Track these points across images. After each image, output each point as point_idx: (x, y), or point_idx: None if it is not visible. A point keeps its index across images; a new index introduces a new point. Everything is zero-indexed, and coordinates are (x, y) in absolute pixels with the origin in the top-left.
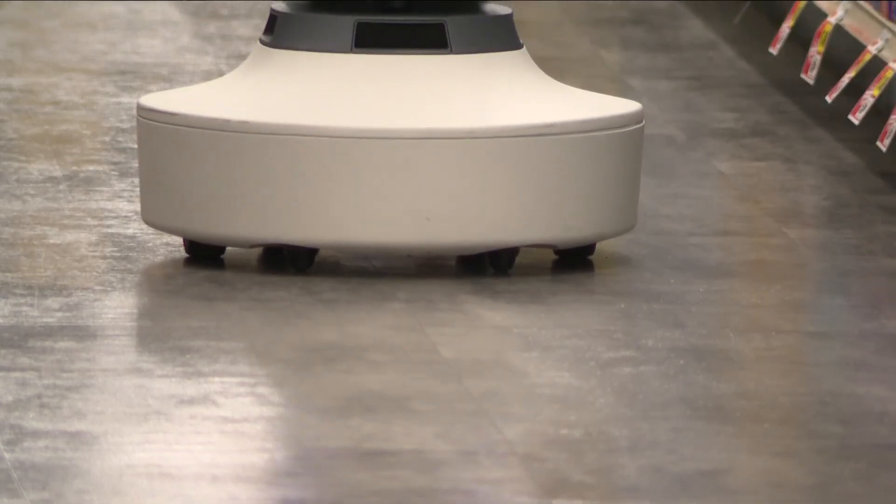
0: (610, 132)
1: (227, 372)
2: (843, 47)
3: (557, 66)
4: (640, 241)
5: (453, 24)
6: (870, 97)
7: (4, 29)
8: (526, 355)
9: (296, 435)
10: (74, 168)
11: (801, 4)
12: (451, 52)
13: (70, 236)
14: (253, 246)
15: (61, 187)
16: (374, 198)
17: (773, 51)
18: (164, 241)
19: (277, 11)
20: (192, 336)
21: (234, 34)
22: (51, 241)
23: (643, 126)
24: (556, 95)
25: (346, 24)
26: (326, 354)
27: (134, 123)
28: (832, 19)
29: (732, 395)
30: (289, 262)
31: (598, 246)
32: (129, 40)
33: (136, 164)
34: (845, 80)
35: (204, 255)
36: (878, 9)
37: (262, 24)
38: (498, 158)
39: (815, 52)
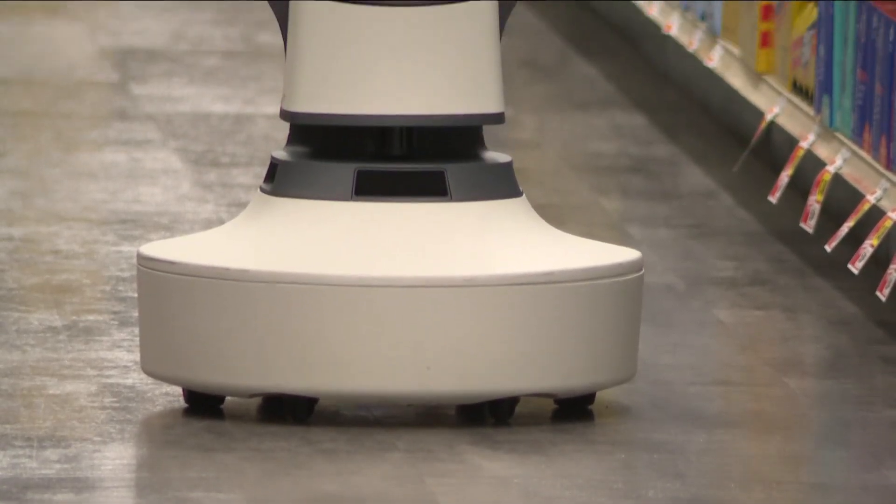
0: (610, 280)
1: None
2: (843, 196)
3: (557, 214)
4: (640, 391)
5: (453, 171)
6: (869, 246)
7: (5, 178)
8: None
9: None
10: (74, 318)
11: (800, 153)
12: (452, 200)
13: (69, 387)
14: (252, 395)
15: (61, 337)
16: (374, 347)
17: (773, 199)
18: (164, 391)
19: (278, 159)
20: (191, 487)
21: (235, 182)
22: (50, 391)
23: (643, 274)
24: (555, 243)
25: (347, 171)
26: None
27: (134, 272)
28: (831, 168)
29: None
30: (288, 411)
31: (597, 395)
32: (129, 189)
33: (136, 314)
34: (844, 229)
35: (203, 404)
36: (876, 158)
37: (263, 171)
38: (498, 307)
39: (814, 201)
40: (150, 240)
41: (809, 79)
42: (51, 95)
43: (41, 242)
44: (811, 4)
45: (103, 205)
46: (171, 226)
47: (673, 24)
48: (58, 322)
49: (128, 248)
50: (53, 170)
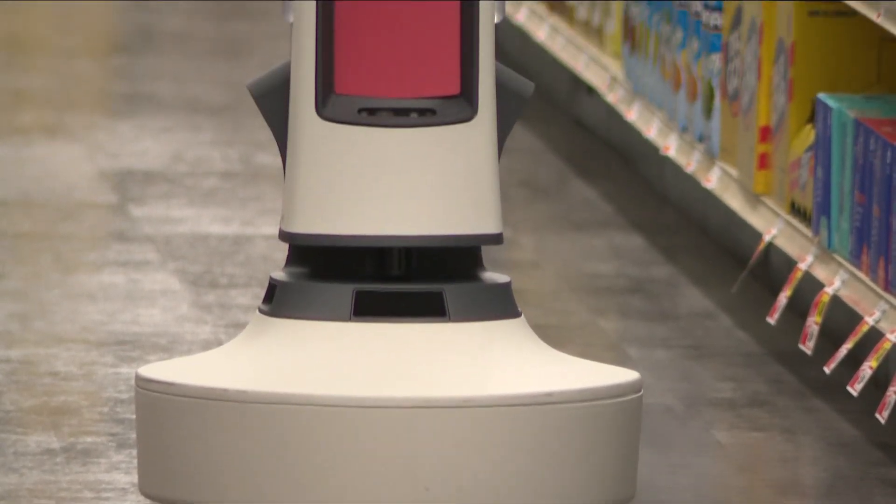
0: (609, 402)
1: None
2: (841, 318)
3: (555, 335)
4: None
5: (452, 292)
6: (868, 368)
7: (4, 301)
8: None
9: None
10: (72, 440)
11: (799, 274)
12: (450, 321)
13: None
14: None
15: (58, 459)
16: (372, 467)
17: (771, 320)
18: None
19: (276, 280)
20: None
21: (233, 303)
22: None
23: (641, 395)
24: (554, 364)
25: (345, 292)
26: None
27: (132, 394)
28: (829, 290)
29: None
30: None
31: None
32: (128, 310)
33: (134, 436)
34: (843, 350)
35: None
36: (875, 280)
37: (261, 292)
38: (496, 427)
39: (813, 323)
40: (148, 361)
41: (807, 200)
42: (50, 217)
43: (39, 364)
44: (809, 126)
45: (101, 326)
46: (169, 347)
47: (671, 146)
48: (55, 444)
49: (126, 370)
50: (52, 292)
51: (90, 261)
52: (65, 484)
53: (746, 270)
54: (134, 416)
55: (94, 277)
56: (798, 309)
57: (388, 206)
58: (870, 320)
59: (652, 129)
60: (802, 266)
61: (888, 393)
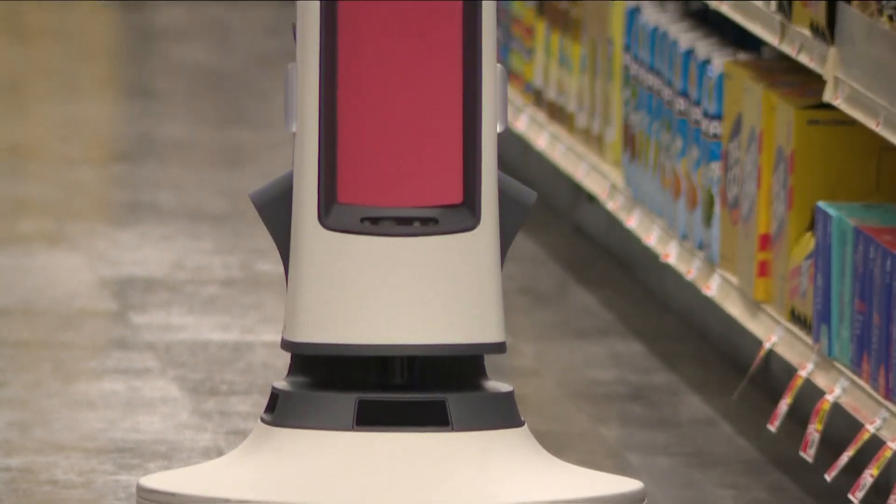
0: None
1: None
2: (842, 425)
3: (556, 442)
4: None
5: (455, 401)
6: (869, 476)
7: (4, 409)
8: None
9: None
10: None
11: (799, 381)
12: (453, 430)
13: None
14: None
15: None
16: None
17: (772, 428)
18: None
19: (278, 390)
20: None
21: (233, 410)
22: None
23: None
24: (557, 474)
25: (348, 401)
26: None
27: (132, 502)
28: (830, 397)
29: None
30: None
31: None
32: (128, 418)
33: None
34: (844, 458)
35: None
36: (875, 388)
37: (261, 400)
38: None
39: (814, 430)
40: (148, 469)
41: (807, 308)
42: (50, 325)
43: (39, 472)
44: (808, 234)
45: (101, 434)
46: (169, 454)
47: (671, 253)
48: None
49: (126, 478)
50: (52, 400)
51: (90, 369)
52: None
53: (747, 378)
54: None
55: (94, 385)
56: (799, 416)
57: (390, 315)
58: (871, 428)
59: (652, 236)
60: (803, 373)
61: (889, 501)
